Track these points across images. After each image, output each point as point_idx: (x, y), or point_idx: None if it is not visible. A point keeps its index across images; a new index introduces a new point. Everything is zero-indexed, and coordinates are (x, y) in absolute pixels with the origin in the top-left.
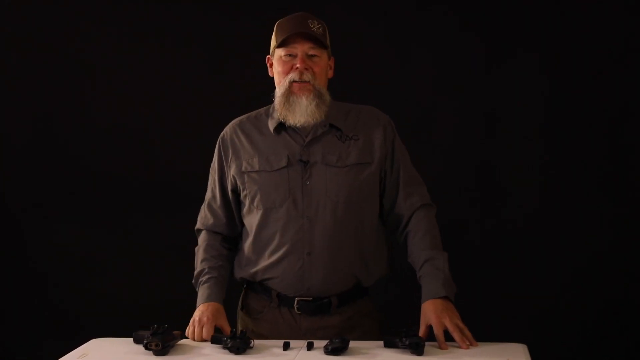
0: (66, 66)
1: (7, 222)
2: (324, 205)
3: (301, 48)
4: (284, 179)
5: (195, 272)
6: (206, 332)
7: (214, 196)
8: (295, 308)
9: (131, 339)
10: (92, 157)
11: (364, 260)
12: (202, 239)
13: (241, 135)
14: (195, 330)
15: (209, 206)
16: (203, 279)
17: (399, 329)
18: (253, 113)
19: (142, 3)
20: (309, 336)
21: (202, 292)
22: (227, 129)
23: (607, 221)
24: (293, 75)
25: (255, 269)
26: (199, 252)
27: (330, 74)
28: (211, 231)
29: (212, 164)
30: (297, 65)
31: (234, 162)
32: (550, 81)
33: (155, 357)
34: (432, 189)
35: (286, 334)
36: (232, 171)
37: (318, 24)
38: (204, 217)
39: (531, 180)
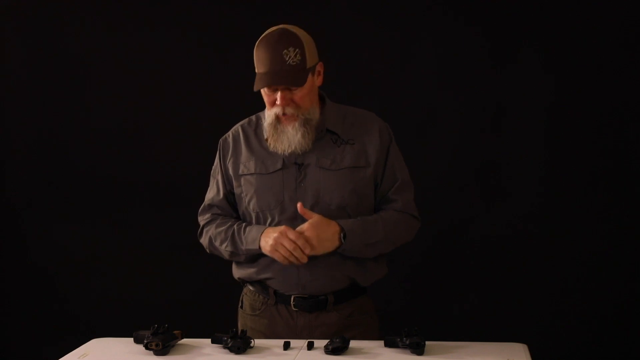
0: (67, 67)
1: (8, 221)
2: (317, 206)
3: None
4: (279, 181)
5: (228, 239)
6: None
7: (217, 196)
8: (292, 305)
9: (131, 339)
10: (93, 157)
11: (360, 261)
12: (209, 224)
13: (240, 139)
14: (296, 254)
15: (210, 207)
16: (241, 226)
17: (398, 328)
18: (253, 117)
19: (143, 4)
20: (307, 333)
21: (253, 231)
22: (229, 132)
23: (609, 221)
24: (277, 110)
25: (252, 269)
26: (215, 229)
27: (319, 81)
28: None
29: (214, 166)
30: (278, 102)
31: (232, 164)
32: (555, 79)
33: (155, 357)
34: (434, 188)
35: (284, 331)
36: (230, 172)
37: (294, 51)
38: (205, 217)
39: (533, 179)
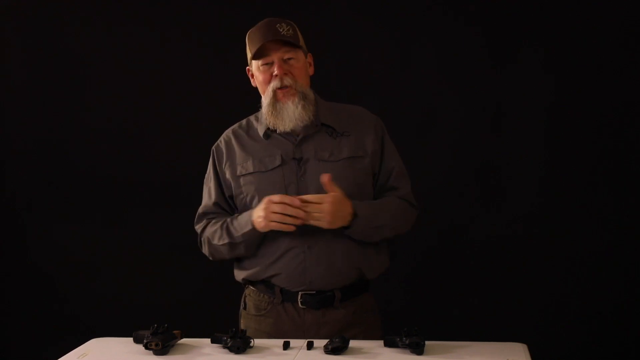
0: (67, 67)
1: (9, 222)
2: None
3: (275, 55)
4: (279, 178)
5: (224, 232)
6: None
7: (209, 202)
8: (299, 302)
9: (131, 339)
10: (93, 157)
11: (365, 251)
12: (205, 230)
13: (234, 142)
14: (288, 212)
15: (204, 214)
16: (233, 217)
17: (399, 327)
18: (243, 121)
19: (143, 4)
20: (313, 331)
21: (244, 216)
22: (220, 138)
23: (609, 221)
24: (275, 84)
25: (257, 269)
26: (210, 229)
27: (311, 70)
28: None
29: (206, 175)
30: (276, 72)
31: (229, 167)
32: (555, 79)
33: (155, 356)
34: (434, 188)
35: (290, 330)
36: (227, 176)
37: (287, 26)
38: (201, 224)
39: (533, 180)
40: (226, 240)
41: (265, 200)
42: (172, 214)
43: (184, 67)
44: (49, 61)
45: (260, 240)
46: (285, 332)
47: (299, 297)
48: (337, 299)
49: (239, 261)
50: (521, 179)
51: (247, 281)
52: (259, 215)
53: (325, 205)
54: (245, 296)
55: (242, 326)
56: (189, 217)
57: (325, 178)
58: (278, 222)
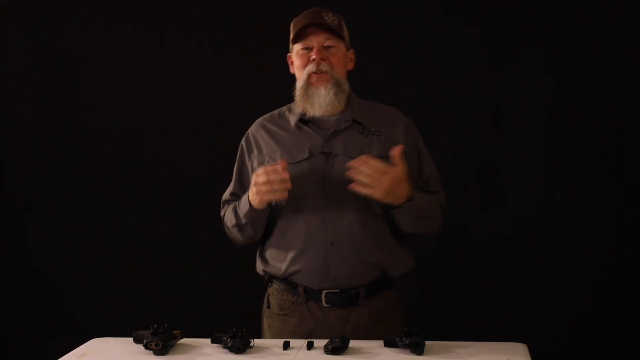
0: (67, 67)
1: (9, 222)
2: (345, 195)
3: (316, 40)
4: (306, 171)
5: (232, 215)
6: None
7: (228, 192)
8: (324, 301)
9: (131, 339)
10: (93, 157)
11: (389, 250)
12: (224, 217)
13: (264, 132)
14: (272, 177)
15: (224, 202)
16: (239, 200)
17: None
18: (276, 111)
19: (143, 4)
20: (338, 330)
21: (244, 196)
22: (251, 128)
23: (609, 221)
24: (310, 67)
25: (280, 263)
26: (227, 214)
27: (351, 65)
28: None
29: (235, 164)
30: (314, 56)
31: (257, 158)
32: (555, 79)
33: (155, 356)
34: None
35: (314, 329)
36: (254, 167)
37: (333, 17)
38: (222, 210)
39: (533, 180)
40: (234, 222)
41: (252, 175)
42: (172, 214)
43: (184, 67)
44: (49, 61)
45: (264, 219)
46: (309, 331)
47: (323, 296)
48: (361, 296)
49: (262, 254)
50: (521, 179)
51: (269, 277)
52: (252, 193)
53: (386, 178)
54: (268, 295)
55: (265, 325)
56: (189, 217)
57: (397, 149)
58: (267, 191)
